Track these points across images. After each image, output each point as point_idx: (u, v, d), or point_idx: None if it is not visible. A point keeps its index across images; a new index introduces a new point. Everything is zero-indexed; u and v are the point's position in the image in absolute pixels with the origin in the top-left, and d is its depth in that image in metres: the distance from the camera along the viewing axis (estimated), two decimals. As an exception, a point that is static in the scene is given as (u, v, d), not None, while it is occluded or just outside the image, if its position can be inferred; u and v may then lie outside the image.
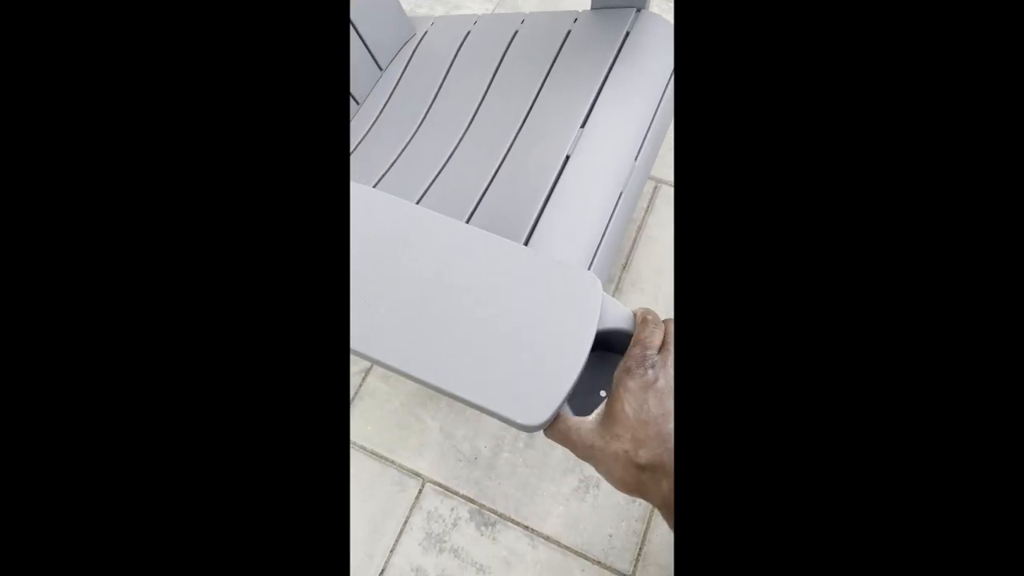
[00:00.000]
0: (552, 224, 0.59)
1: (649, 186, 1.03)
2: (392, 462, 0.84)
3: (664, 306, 0.93)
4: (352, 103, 0.83)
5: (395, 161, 0.75)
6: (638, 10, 0.73)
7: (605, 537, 0.78)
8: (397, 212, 0.39)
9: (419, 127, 0.77)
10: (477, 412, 0.33)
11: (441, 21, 0.89)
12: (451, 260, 0.36)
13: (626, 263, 0.97)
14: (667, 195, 1.02)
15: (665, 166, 1.03)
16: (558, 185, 0.61)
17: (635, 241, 0.98)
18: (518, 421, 0.31)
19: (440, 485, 0.83)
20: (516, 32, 0.79)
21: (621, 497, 0.79)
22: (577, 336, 0.33)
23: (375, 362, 0.34)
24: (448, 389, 0.33)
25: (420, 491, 0.82)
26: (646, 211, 1.01)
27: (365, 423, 0.87)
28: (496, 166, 0.67)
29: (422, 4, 1.32)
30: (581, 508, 0.80)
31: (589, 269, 0.54)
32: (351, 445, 0.86)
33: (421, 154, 0.74)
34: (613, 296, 0.50)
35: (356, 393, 0.89)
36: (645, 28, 0.72)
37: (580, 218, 0.61)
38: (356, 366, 0.91)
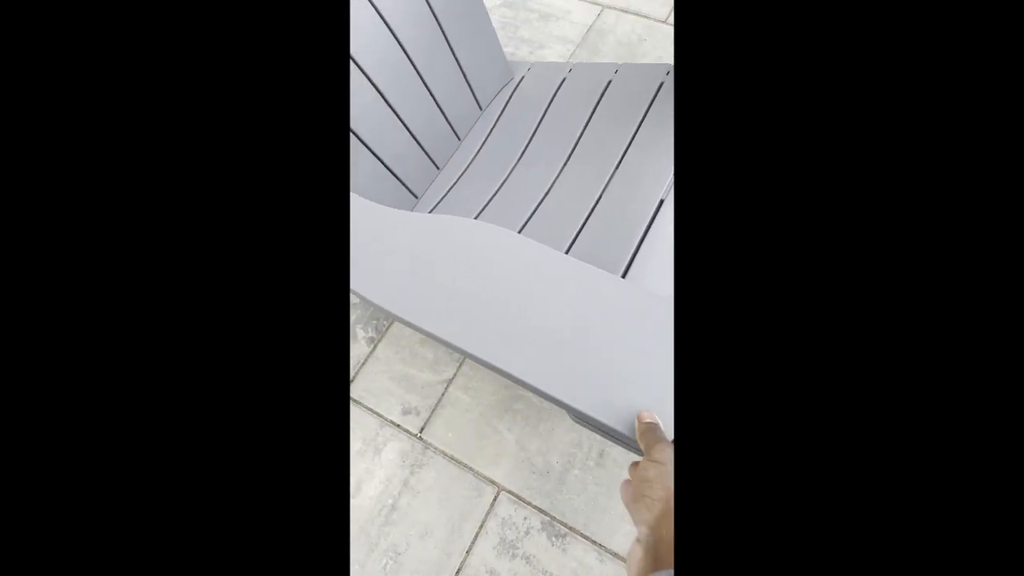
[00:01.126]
0: (646, 263, 0.65)
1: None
2: (470, 468, 0.91)
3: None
4: (453, 137, 0.92)
5: (495, 195, 0.83)
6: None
7: (671, 559, 0.81)
8: (508, 242, 0.46)
9: (517, 164, 0.85)
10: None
11: (537, 67, 0.98)
12: (556, 289, 0.43)
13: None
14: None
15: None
16: (652, 228, 0.67)
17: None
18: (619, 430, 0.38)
19: (514, 494, 0.88)
20: (610, 81, 0.86)
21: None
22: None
23: (488, 364, 0.41)
24: (563, 399, 0.39)
25: (496, 498, 0.88)
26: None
27: (447, 430, 0.94)
28: (592, 204, 0.74)
29: (507, 44, 1.42)
30: (648, 529, 0.84)
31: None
32: (433, 449, 0.93)
33: (520, 189, 0.82)
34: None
35: (439, 402, 0.97)
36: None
37: (672, 259, 0.67)
38: (440, 375, 0.99)
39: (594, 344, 0.41)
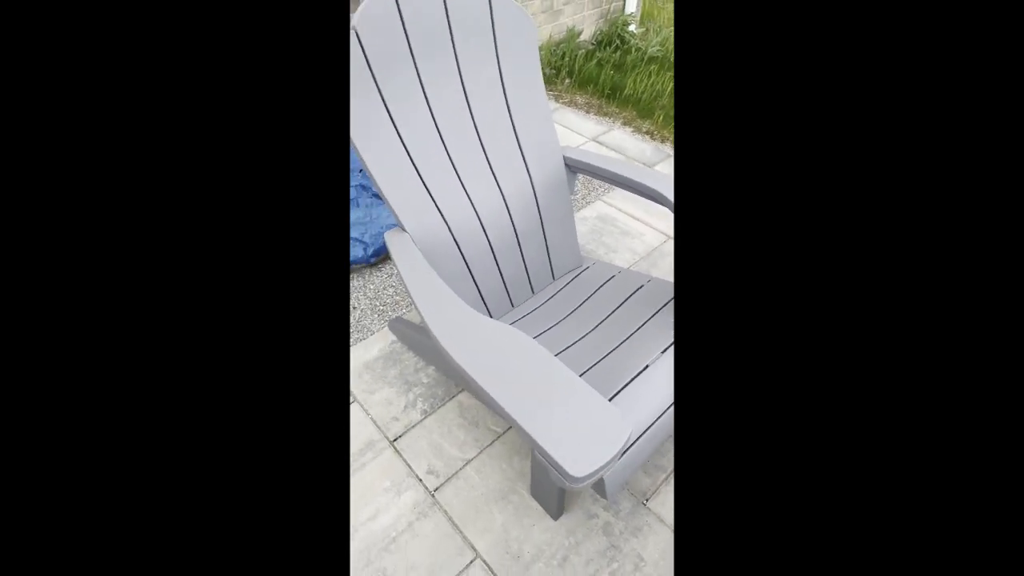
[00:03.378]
0: (635, 393, 0.96)
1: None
2: (460, 532, 1.14)
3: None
4: (529, 290, 1.34)
5: (546, 331, 1.20)
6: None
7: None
8: (536, 347, 0.81)
9: (566, 317, 1.24)
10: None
11: (600, 264, 1.41)
12: (566, 396, 0.76)
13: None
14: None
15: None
16: (642, 374, 1.00)
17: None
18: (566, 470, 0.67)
19: (487, 565, 1.09)
20: (642, 286, 1.27)
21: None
22: (606, 450, 0.69)
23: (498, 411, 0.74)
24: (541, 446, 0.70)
25: (472, 561, 1.09)
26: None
27: (454, 496, 1.20)
28: (608, 352, 1.08)
29: (592, 243, 1.92)
30: (583, 632, 0.99)
31: (636, 440, 0.89)
32: (439, 507, 1.18)
33: (564, 334, 1.19)
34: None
35: (456, 473, 1.24)
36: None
37: (644, 402, 0.97)
38: (464, 454, 1.27)
39: (547, 411, 0.72)
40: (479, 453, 1.28)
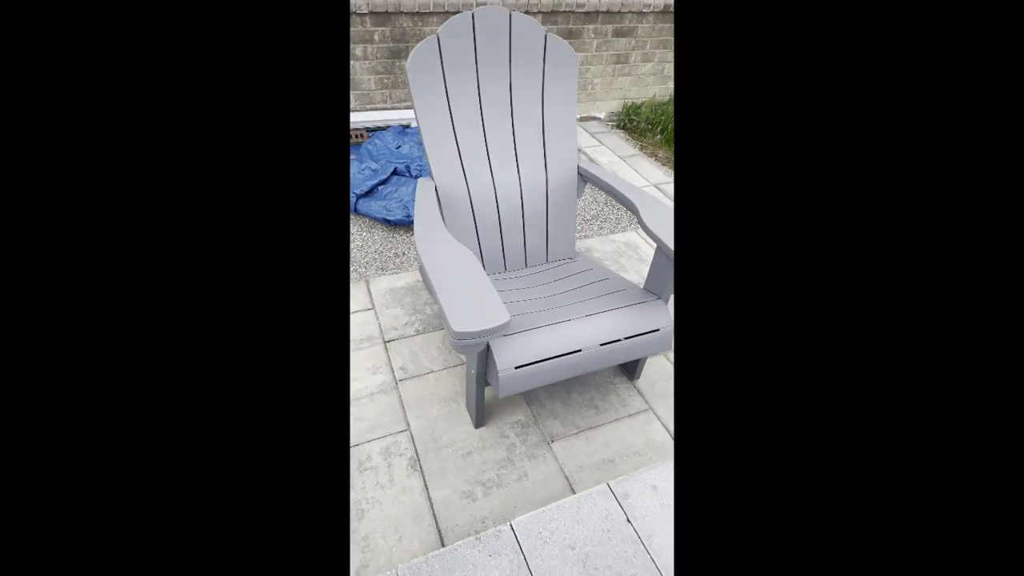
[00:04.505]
0: (536, 333, 1.25)
1: (641, 406, 1.54)
2: (404, 411, 1.47)
3: (591, 461, 1.39)
4: (523, 264, 1.66)
5: (520, 291, 1.52)
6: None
7: None
8: (476, 266, 1.14)
9: (526, 286, 1.55)
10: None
11: (584, 258, 1.70)
12: (471, 276, 1.09)
13: (592, 428, 1.47)
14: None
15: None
16: (548, 327, 1.28)
17: (607, 422, 1.49)
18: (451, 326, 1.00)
19: (412, 437, 1.40)
20: (605, 279, 1.54)
21: None
22: (481, 322, 1.00)
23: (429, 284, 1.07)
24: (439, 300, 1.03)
25: (403, 431, 1.41)
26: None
27: (411, 389, 1.53)
28: (538, 307, 1.37)
29: (597, 239, 2.19)
30: None
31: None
32: (396, 392, 1.52)
33: (516, 290, 1.50)
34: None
35: (419, 375, 1.57)
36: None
37: (550, 340, 1.25)
38: (429, 364, 1.60)
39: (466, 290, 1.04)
40: (442, 369, 1.61)
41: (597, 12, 3.01)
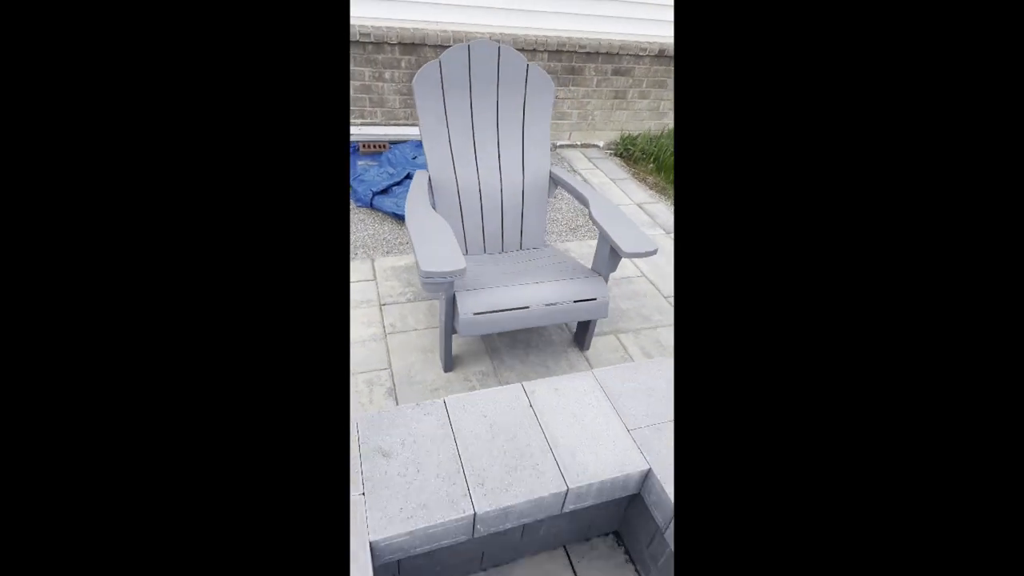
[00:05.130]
0: (492, 291, 1.58)
1: (586, 369, 1.84)
2: (389, 356, 1.79)
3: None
4: (500, 248, 2.00)
5: (487, 265, 1.86)
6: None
7: None
8: (448, 231, 1.48)
9: (498, 263, 1.88)
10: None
11: (552, 248, 2.03)
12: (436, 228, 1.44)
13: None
14: (589, 378, 1.81)
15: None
16: (505, 286, 1.61)
17: (555, 379, 1.79)
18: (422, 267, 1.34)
19: (392, 374, 1.72)
20: (563, 262, 1.86)
21: None
22: (443, 266, 1.35)
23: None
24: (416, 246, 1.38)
25: (384, 369, 1.74)
26: (573, 375, 1.81)
27: (397, 342, 1.86)
28: (500, 273, 1.70)
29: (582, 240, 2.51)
30: None
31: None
32: (384, 343, 1.85)
33: (487, 262, 1.83)
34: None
35: (405, 331, 1.90)
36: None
37: (505, 295, 1.57)
38: (415, 324, 1.93)
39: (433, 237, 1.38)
40: (424, 328, 1.94)
41: (598, 52, 3.43)
